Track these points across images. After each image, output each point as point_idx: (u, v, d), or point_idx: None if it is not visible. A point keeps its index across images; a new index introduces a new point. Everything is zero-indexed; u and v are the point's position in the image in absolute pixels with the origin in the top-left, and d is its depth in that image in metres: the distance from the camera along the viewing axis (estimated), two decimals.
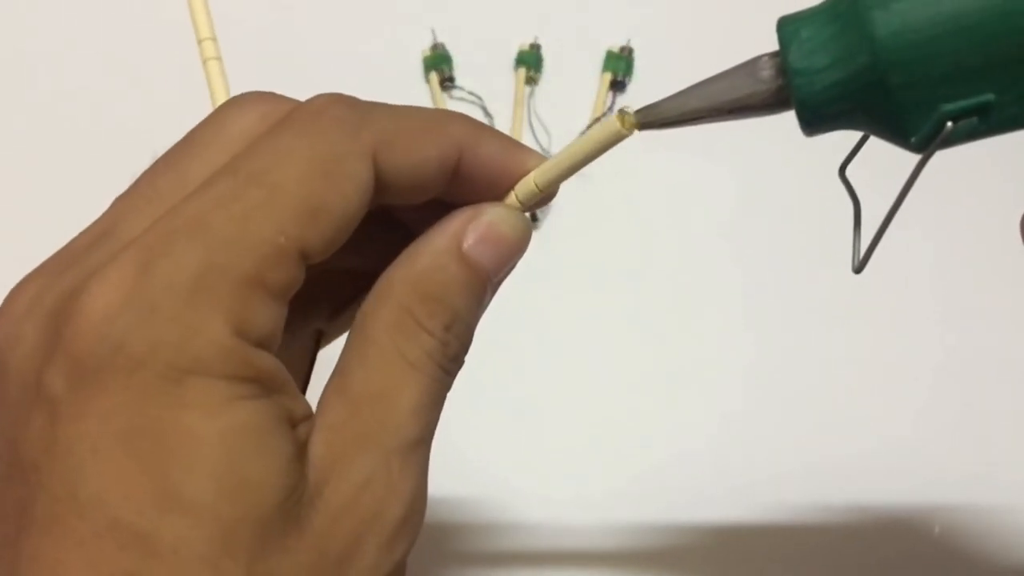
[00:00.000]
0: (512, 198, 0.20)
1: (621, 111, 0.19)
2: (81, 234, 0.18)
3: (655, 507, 0.37)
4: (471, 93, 0.46)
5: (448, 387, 0.19)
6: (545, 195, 0.20)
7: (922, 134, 0.17)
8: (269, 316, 0.17)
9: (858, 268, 0.21)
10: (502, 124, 0.45)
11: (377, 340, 0.18)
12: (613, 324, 0.41)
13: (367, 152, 0.18)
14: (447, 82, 0.46)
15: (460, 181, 0.19)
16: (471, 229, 0.19)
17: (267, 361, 0.17)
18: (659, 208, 0.44)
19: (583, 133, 0.18)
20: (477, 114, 0.46)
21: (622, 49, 0.47)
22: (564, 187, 0.21)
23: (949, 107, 0.16)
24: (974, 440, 0.39)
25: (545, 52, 0.47)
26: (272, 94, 0.19)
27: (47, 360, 0.16)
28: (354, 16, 0.49)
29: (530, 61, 0.46)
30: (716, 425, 0.39)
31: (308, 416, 0.18)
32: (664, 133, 0.20)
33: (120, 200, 0.18)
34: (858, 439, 0.39)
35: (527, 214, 0.20)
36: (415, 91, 0.47)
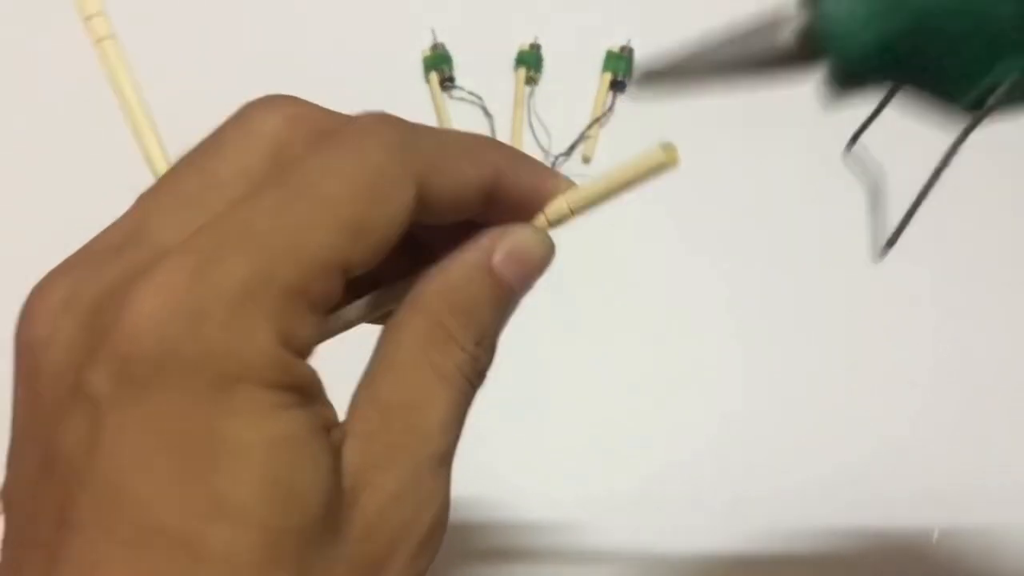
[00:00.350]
0: (542, 219, 0.21)
1: (666, 145, 0.19)
2: (107, 231, 0.18)
3: (656, 507, 0.38)
4: (471, 93, 0.46)
5: (471, 402, 0.20)
6: (572, 218, 0.21)
7: (977, 92, 0.15)
8: (310, 327, 0.17)
9: (883, 251, 0.20)
10: (502, 124, 0.45)
11: (409, 351, 0.19)
12: (613, 326, 0.41)
13: (413, 174, 0.18)
14: (447, 82, 0.46)
15: (493, 203, 0.20)
16: (500, 247, 0.20)
17: (307, 370, 0.17)
18: (660, 209, 0.44)
19: (624, 161, 0.18)
20: (477, 114, 0.46)
21: (622, 49, 0.47)
22: None
23: (1013, 63, 0.15)
24: (973, 445, 0.39)
25: (545, 52, 0.47)
26: (295, 97, 0.19)
27: (89, 359, 0.16)
28: (354, 16, 0.49)
29: (530, 61, 0.46)
30: (716, 426, 0.39)
31: (338, 423, 0.18)
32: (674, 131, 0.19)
33: (146, 200, 0.18)
34: (857, 443, 0.39)
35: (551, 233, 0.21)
36: (415, 91, 0.47)
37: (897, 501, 0.38)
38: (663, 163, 0.19)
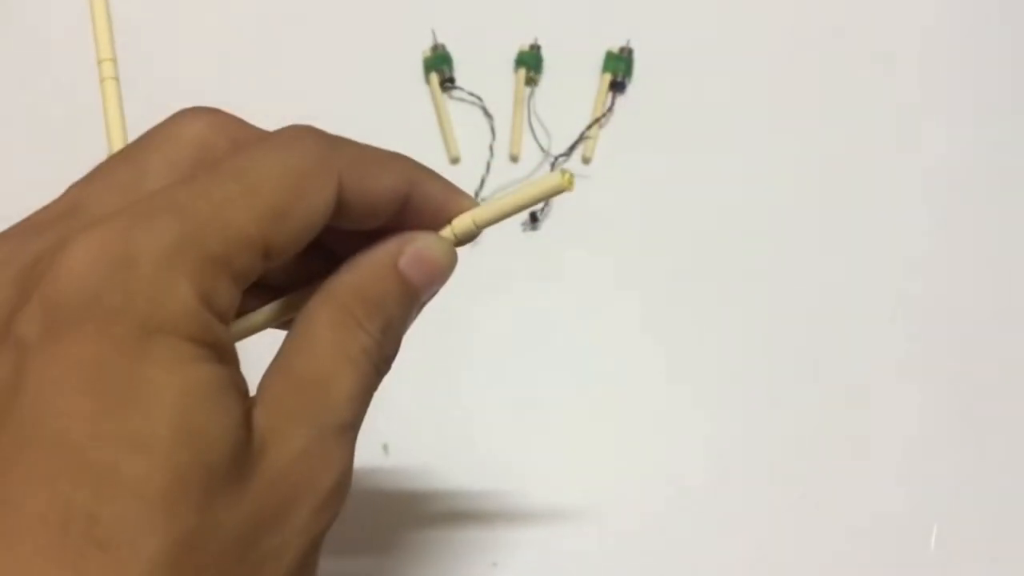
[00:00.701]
0: (448, 231, 0.23)
1: (563, 170, 0.21)
2: (41, 210, 0.20)
3: (646, 503, 0.38)
4: (471, 93, 0.46)
5: (376, 385, 0.22)
6: (476, 232, 0.23)
7: None
8: (229, 295, 0.18)
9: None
10: (502, 124, 0.46)
11: (320, 333, 0.20)
12: (608, 324, 0.41)
13: (334, 173, 0.20)
14: (447, 82, 0.46)
15: (404, 213, 0.22)
16: (407, 250, 0.22)
17: (224, 333, 0.18)
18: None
19: (526, 181, 0.21)
20: (477, 114, 0.46)
21: (621, 50, 0.47)
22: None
23: None
24: (973, 442, 0.39)
25: (545, 52, 0.47)
26: (218, 108, 0.21)
27: (19, 308, 0.17)
28: (354, 17, 0.49)
29: (530, 62, 0.46)
30: (712, 425, 0.39)
31: (248, 392, 0.19)
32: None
33: (80, 186, 0.20)
34: (856, 440, 0.39)
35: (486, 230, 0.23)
36: (415, 91, 0.47)
37: (896, 500, 0.38)
38: (560, 186, 0.21)
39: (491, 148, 0.45)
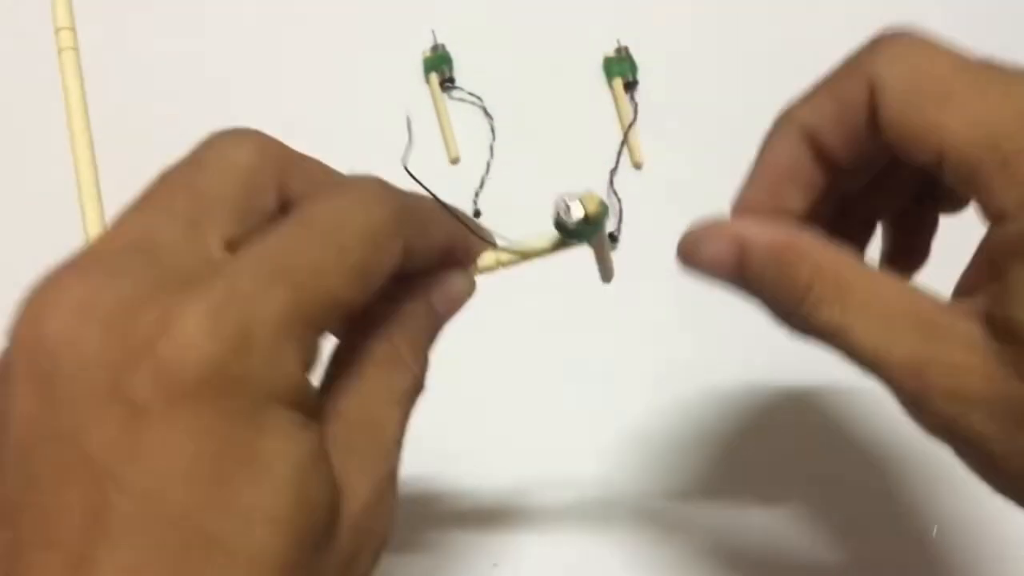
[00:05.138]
0: (473, 268, 0.25)
1: (590, 196, 0.24)
2: (109, 238, 0.19)
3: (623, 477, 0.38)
4: (471, 94, 0.46)
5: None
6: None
7: None
8: (317, 353, 0.19)
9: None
10: (502, 124, 0.46)
11: (370, 375, 0.22)
12: (618, 327, 0.41)
13: (404, 231, 0.21)
14: (447, 83, 0.46)
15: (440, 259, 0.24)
16: (444, 291, 0.24)
17: (315, 392, 0.20)
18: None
19: (542, 233, 0.25)
20: (477, 114, 0.46)
21: (618, 51, 0.47)
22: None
23: None
24: None
25: (545, 52, 0.47)
26: (259, 131, 0.22)
27: (129, 365, 0.17)
28: (354, 17, 0.49)
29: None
30: (724, 426, 0.39)
31: None
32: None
33: (139, 215, 0.20)
34: (856, 436, 0.39)
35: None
36: (415, 92, 0.47)
37: (896, 497, 0.38)
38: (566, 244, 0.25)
39: (491, 148, 0.45)
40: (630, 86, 0.46)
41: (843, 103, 0.23)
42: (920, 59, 0.22)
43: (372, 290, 0.20)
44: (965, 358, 0.20)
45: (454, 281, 0.24)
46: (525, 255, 0.25)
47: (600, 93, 0.47)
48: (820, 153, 0.24)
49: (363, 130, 0.46)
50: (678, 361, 0.40)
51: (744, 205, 0.25)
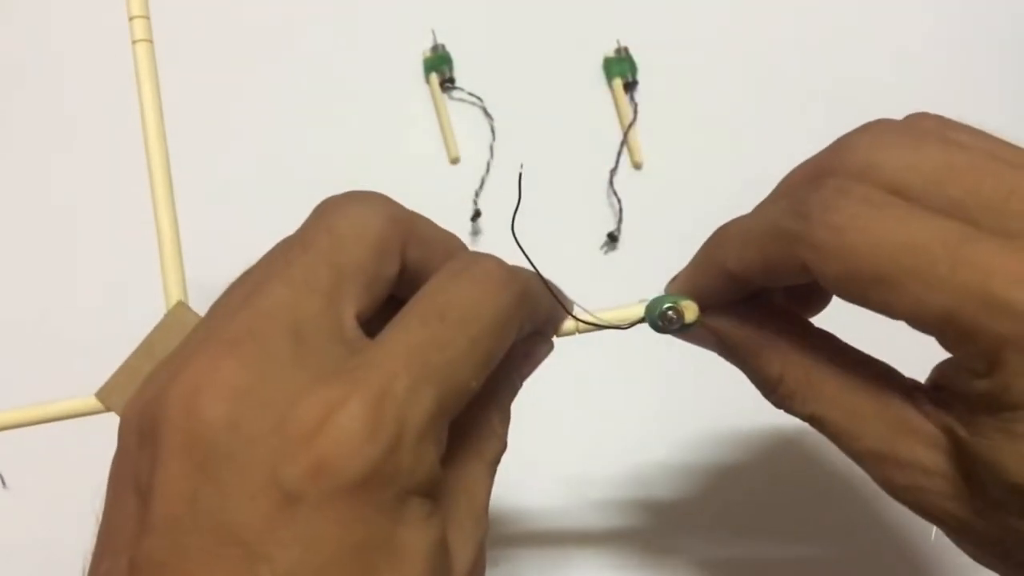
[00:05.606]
0: (553, 336, 0.27)
1: (672, 302, 0.25)
2: (256, 315, 0.20)
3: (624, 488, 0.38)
4: (471, 94, 0.46)
5: None
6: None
7: None
8: (446, 438, 0.20)
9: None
10: (502, 124, 0.46)
11: (465, 445, 0.22)
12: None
13: (522, 317, 0.22)
14: (447, 83, 0.46)
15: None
16: (527, 364, 0.26)
17: (442, 476, 0.20)
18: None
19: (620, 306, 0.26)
20: (477, 114, 0.46)
21: (617, 51, 0.47)
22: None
23: None
24: None
25: (545, 52, 0.47)
26: (385, 197, 0.22)
27: (286, 456, 0.18)
28: (355, 17, 0.49)
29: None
30: (707, 408, 0.39)
31: None
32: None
33: (285, 287, 0.20)
34: None
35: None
36: (415, 92, 0.47)
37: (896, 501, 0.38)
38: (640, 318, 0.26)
39: (491, 148, 0.45)
40: (630, 86, 0.46)
41: (773, 268, 0.22)
42: (861, 236, 0.20)
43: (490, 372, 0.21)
44: (927, 454, 0.22)
45: (541, 351, 0.26)
46: (600, 326, 0.26)
47: (600, 93, 0.47)
48: (746, 286, 0.24)
49: (364, 130, 0.46)
50: (678, 361, 0.40)
51: (683, 289, 0.26)
